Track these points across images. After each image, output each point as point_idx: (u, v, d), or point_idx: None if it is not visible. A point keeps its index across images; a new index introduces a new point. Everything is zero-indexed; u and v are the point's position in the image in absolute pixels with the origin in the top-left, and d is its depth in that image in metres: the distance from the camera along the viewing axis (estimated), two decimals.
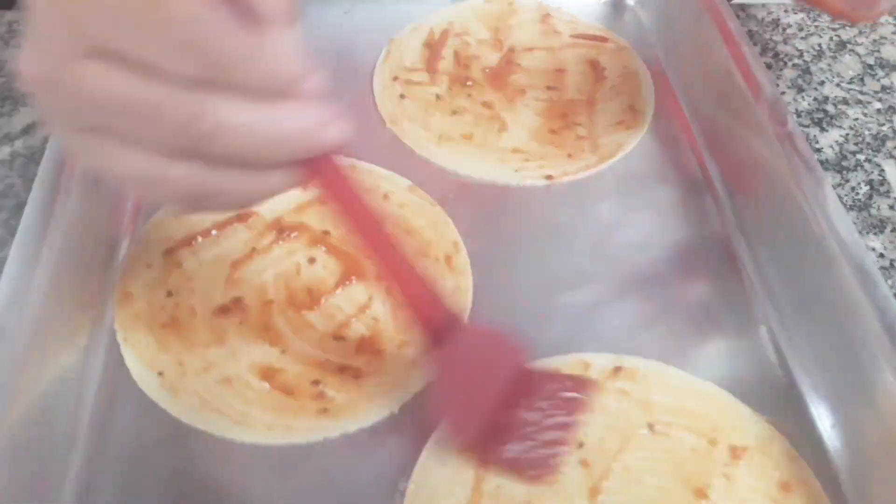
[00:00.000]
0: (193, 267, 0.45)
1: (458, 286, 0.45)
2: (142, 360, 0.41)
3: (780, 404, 0.41)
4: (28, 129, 0.54)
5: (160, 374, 0.41)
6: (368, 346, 0.43)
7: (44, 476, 0.36)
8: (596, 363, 0.42)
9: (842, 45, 0.64)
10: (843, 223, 0.42)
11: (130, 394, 0.40)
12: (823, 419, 0.41)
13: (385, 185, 0.50)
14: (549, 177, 0.51)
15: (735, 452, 0.39)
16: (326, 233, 0.47)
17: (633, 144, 0.54)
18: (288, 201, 0.48)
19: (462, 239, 0.48)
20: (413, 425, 0.40)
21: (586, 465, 0.38)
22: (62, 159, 0.43)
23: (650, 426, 0.40)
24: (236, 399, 0.40)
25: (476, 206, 0.50)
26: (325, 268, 0.46)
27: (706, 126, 0.55)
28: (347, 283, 0.45)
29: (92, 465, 0.38)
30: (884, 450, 0.38)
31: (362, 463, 0.38)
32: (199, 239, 0.46)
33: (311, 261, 0.46)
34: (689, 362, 0.43)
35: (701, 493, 0.37)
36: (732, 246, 0.49)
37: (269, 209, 0.48)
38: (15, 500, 0.34)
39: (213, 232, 0.47)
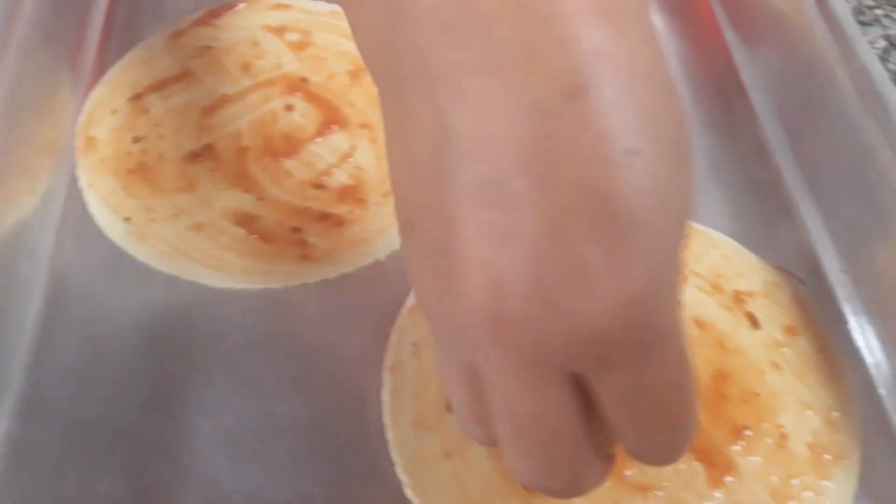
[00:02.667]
0: (162, 113, 0.42)
1: None
2: (107, 205, 0.38)
3: (789, 253, 0.39)
4: None
5: (127, 219, 0.38)
6: (351, 195, 0.40)
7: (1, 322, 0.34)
8: None
9: None
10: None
11: (94, 240, 0.37)
12: (834, 264, 0.39)
13: None
14: None
15: (739, 297, 0.36)
16: (304, 79, 0.44)
17: None
18: None
19: None
20: (401, 272, 0.37)
21: None
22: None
23: None
24: (210, 244, 0.37)
25: None
26: (303, 115, 0.42)
27: None
28: (328, 131, 0.42)
29: (51, 310, 0.35)
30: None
31: (344, 308, 0.36)
32: (169, 85, 0.43)
33: (289, 108, 0.43)
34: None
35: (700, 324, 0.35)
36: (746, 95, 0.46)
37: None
38: None
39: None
